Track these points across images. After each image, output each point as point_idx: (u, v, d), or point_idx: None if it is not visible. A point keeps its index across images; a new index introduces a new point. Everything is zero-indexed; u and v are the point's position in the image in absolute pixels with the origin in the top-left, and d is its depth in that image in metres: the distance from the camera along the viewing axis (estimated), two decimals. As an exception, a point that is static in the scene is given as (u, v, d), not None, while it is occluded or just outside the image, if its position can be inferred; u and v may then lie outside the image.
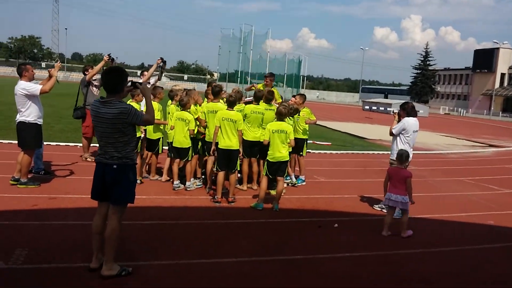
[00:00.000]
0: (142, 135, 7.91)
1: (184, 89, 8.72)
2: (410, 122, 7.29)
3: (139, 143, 7.76)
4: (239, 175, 8.22)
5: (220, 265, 4.94)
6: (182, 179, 8.06)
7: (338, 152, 14.82)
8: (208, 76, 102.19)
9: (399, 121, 7.42)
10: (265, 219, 6.77)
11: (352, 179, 10.56)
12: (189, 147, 7.83)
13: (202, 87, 55.36)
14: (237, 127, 7.26)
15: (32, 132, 7.19)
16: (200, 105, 8.35)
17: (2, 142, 11.15)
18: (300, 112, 9.02)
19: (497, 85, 75.11)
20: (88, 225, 4.74)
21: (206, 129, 7.98)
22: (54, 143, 11.63)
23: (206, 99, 8.53)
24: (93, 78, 9.47)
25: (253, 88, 9.88)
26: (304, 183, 9.20)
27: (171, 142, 7.96)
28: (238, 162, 7.53)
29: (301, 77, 62.44)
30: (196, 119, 7.96)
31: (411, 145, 7.36)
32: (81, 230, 5.59)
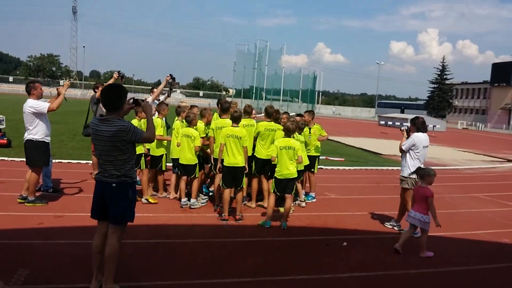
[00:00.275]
0: (146, 152, 7.88)
1: (191, 105, 8.71)
2: (420, 137, 7.13)
3: (142, 160, 7.74)
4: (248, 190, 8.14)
5: (221, 286, 4.83)
6: (190, 196, 8.00)
7: (351, 168, 14.63)
8: (224, 93, 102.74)
9: (408, 136, 7.27)
10: (272, 237, 6.65)
11: (364, 195, 10.37)
12: (196, 164, 7.79)
13: (217, 103, 55.48)
14: (242, 143, 7.19)
15: (40, 150, 7.22)
16: (209, 124, 8.31)
17: (15, 160, 11.24)
18: (311, 130, 8.93)
19: (516, 99, 73.98)
20: (92, 244, 4.68)
21: (214, 145, 7.93)
22: (66, 161, 11.70)
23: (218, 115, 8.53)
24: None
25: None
26: (314, 200, 9.06)
27: (177, 159, 7.92)
28: (244, 180, 7.44)
29: (316, 92, 62.35)
30: (204, 138, 7.95)
31: (422, 161, 7.19)
32: (84, 248, 5.52)
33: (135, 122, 7.49)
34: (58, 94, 7.36)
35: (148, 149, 7.98)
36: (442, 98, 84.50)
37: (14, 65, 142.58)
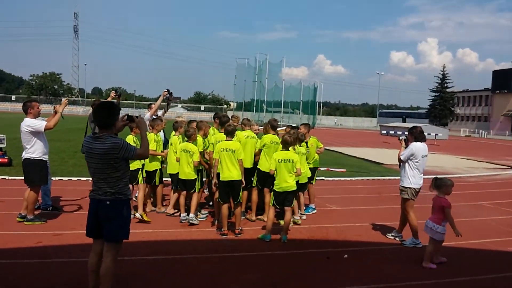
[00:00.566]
0: (141, 167, 7.85)
1: (190, 120, 8.71)
2: (418, 146, 7.08)
3: (140, 175, 7.71)
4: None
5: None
6: (189, 211, 7.95)
7: (353, 178, 14.55)
8: (225, 106, 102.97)
9: (406, 146, 7.23)
10: (272, 251, 6.59)
11: (365, 206, 10.28)
12: (195, 179, 7.75)
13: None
14: (237, 156, 7.16)
15: (38, 168, 7.21)
16: (206, 136, 8.32)
17: (16, 179, 11.20)
18: (308, 143, 8.87)
19: (518, 105, 73.87)
20: (87, 262, 4.64)
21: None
22: (66, 178, 11.68)
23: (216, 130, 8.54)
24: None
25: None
26: (314, 212, 9.00)
27: (175, 174, 7.89)
28: (243, 194, 7.40)
29: (317, 103, 62.34)
30: (201, 153, 7.93)
31: (421, 170, 7.14)
32: (82, 267, 5.44)
33: (130, 138, 7.48)
34: (55, 112, 7.37)
35: (143, 165, 7.95)
36: (443, 106, 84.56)
37: (17, 84, 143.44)
